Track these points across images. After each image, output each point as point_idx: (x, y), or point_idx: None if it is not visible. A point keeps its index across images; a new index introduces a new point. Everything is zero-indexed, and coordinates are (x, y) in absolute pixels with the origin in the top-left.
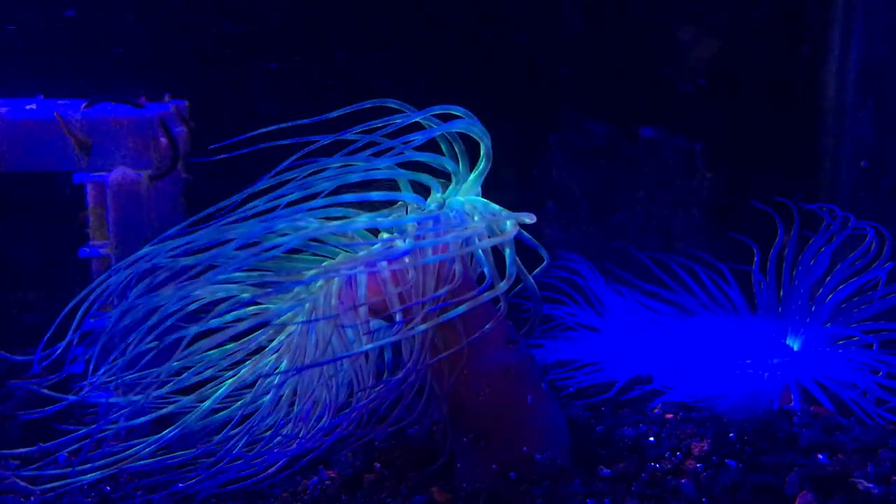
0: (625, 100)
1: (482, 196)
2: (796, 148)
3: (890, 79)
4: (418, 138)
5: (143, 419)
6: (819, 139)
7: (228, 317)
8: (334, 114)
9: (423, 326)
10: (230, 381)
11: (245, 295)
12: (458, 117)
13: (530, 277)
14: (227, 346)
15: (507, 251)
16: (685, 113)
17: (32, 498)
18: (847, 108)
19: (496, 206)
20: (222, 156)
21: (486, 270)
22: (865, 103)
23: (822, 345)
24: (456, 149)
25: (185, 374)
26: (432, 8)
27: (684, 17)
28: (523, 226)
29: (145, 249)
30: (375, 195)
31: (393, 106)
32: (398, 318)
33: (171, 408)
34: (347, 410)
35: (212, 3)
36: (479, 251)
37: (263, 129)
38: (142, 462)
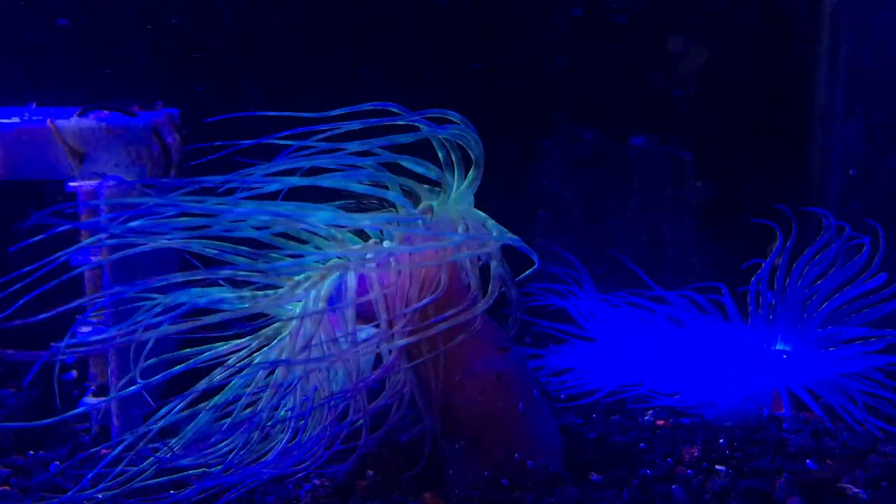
0: (616, 108)
1: (474, 202)
2: (785, 156)
3: (878, 88)
4: (408, 138)
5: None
6: (808, 148)
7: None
8: (332, 113)
9: (405, 337)
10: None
11: (228, 294)
12: (452, 122)
13: (513, 289)
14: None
15: (493, 264)
16: (675, 121)
17: None
18: (836, 116)
19: (483, 215)
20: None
21: (471, 283)
22: (854, 112)
23: (812, 352)
24: (451, 156)
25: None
26: (425, 15)
27: (674, 26)
28: (515, 230)
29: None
30: (360, 188)
31: (392, 109)
32: (383, 325)
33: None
34: (339, 417)
35: (206, 11)
36: (467, 262)
37: (251, 113)
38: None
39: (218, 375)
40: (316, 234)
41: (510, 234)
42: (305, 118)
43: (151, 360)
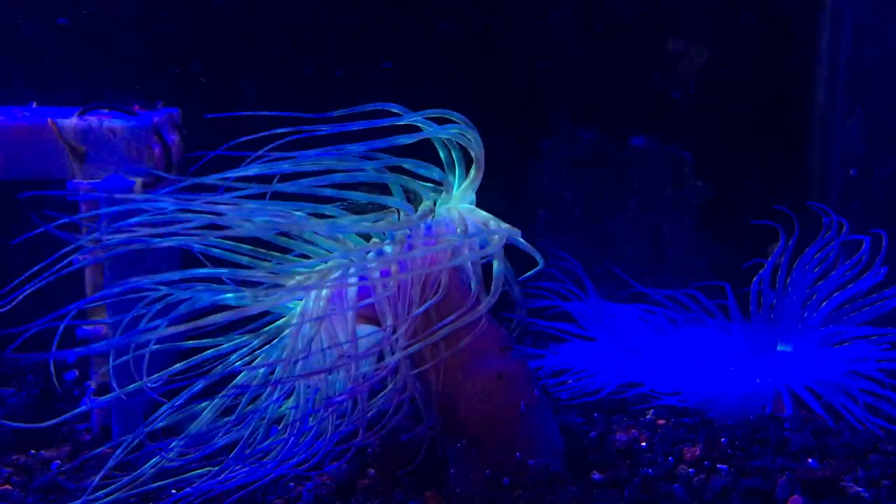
0: (615, 108)
1: (475, 202)
2: (785, 156)
3: (878, 87)
4: (409, 139)
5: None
6: (808, 147)
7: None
8: (333, 114)
9: (407, 340)
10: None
11: (229, 295)
12: (453, 122)
13: (517, 288)
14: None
15: (496, 264)
16: (675, 121)
17: None
18: (836, 116)
19: (486, 214)
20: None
21: (473, 285)
22: (854, 111)
23: (813, 351)
24: (452, 155)
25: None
26: (424, 16)
27: (674, 26)
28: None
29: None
30: (361, 196)
31: (393, 109)
32: (386, 327)
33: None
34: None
35: (205, 10)
36: (468, 263)
37: (251, 112)
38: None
39: (219, 374)
40: (318, 233)
41: (509, 227)
42: (306, 118)
43: (153, 350)
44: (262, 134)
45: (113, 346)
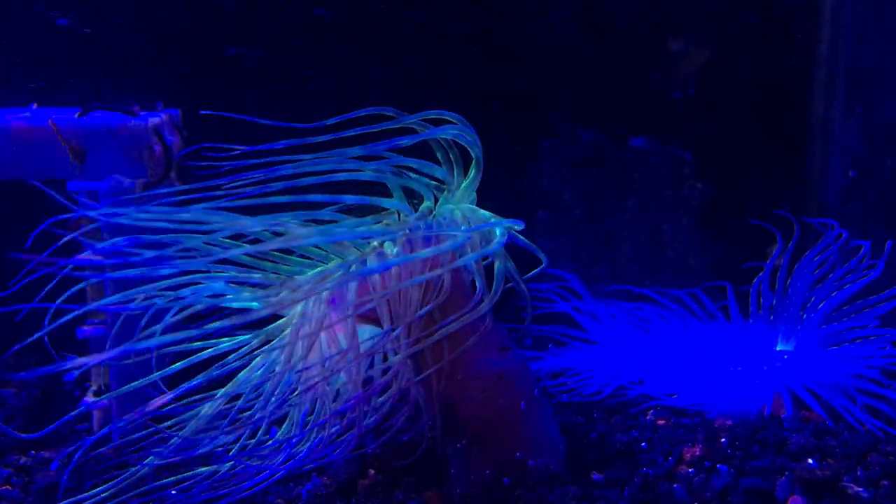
0: (615, 109)
1: (476, 204)
2: (785, 156)
3: (877, 88)
4: (406, 141)
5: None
6: (808, 148)
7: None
8: (331, 121)
9: (408, 342)
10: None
11: (229, 296)
12: (450, 123)
13: (521, 282)
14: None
15: (497, 263)
16: (675, 122)
17: None
18: (835, 117)
19: (486, 213)
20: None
21: (477, 282)
22: (854, 111)
23: (812, 351)
24: (451, 156)
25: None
26: (423, 16)
27: (674, 26)
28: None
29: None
30: (359, 200)
31: (389, 113)
32: (387, 329)
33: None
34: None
35: (206, 11)
36: (472, 262)
37: (249, 118)
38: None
39: (216, 374)
40: (318, 245)
41: (511, 221)
42: (303, 128)
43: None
44: (261, 144)
45: (113, 355)
